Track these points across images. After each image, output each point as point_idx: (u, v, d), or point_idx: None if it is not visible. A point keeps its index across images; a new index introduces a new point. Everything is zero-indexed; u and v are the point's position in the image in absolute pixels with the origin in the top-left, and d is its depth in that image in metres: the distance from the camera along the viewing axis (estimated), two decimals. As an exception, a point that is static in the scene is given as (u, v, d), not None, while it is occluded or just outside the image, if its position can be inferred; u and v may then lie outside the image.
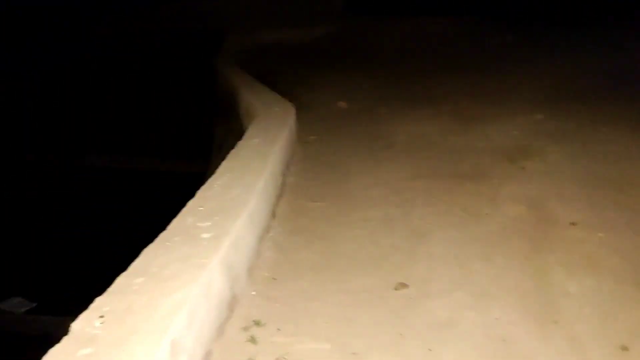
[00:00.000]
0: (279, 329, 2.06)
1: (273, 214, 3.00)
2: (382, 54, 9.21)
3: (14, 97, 10.66)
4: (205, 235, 2.03)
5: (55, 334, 1.60)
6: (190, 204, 2.37)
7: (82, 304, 1.68)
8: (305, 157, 4.18)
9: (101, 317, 1.54)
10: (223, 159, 3.20)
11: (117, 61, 11.70)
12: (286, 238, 2.79)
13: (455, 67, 8.02)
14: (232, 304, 2.04)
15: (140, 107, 11.50)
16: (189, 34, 12.81)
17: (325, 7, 11.57)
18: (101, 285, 1.80)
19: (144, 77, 11.80)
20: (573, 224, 2.95)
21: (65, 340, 1.48)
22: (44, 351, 1.50)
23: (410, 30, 10.92)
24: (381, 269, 2.57)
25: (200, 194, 2.49)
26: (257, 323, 2.05)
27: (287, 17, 12.33)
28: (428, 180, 3.72)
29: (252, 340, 1.96)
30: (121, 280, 1.73)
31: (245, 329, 2.02)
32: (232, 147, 3.45)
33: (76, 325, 1.53)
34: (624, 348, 2.01)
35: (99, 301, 1.64)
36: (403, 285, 2.40)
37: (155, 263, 1.81)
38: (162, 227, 2.12)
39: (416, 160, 4.16)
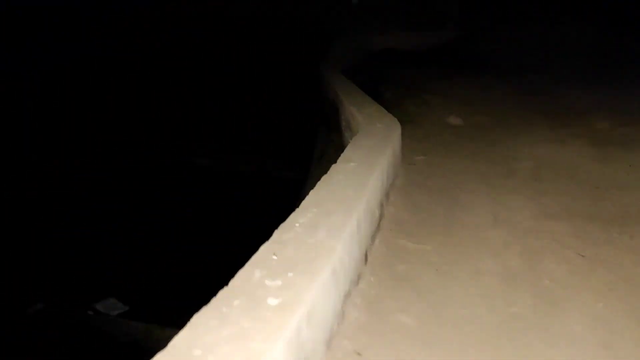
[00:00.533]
0: None
1: (365, 258, 2.49)
2: (502, 63, 8.40)
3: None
4: (272, 302, 1.58)
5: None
6: (263, 249, 1.93)
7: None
8: (409, 182, 3.62)
9: None
10: (319, 176, 2.77)
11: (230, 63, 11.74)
12: (379, 292, 2.27)
13: (587, 80, 7.06)
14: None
15: (240, 107, 11.44)
16: (298, 36, 12.67)
17: (440, 12, 10.84)
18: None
19: (252, 75, 11.74)
20: None
21: None
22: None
23: (532, 38, 9.91)
24: (500, 348, 1.97)
25: (277, 236, 2.05)
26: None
27: (399, 23, 11.76)
28: (560, 222, 3.02)
29: None
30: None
31: None
32: (331, 161, 3.03)
33: None
34: None
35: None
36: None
37: (202, 342, 1.39)
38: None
39: (544, 194, 3.46)
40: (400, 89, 6.79)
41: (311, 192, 2.55)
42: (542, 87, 6.36)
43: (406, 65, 8.76)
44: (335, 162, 3.10)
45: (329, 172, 2.87)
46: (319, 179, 2.79)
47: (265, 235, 2.05)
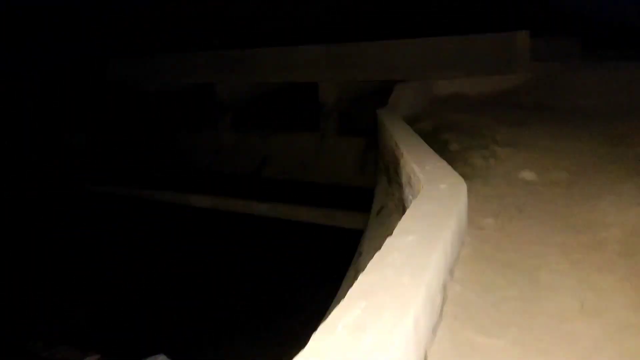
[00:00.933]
0: None
1: (425, 358, 2.09)
2: (584, 108, 7.79)
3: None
4: None
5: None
6: (297, 361, 1.59)
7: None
8: (477, 253, 3.19)
9: None
10: (377, 235, 2.43)
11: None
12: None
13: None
14: None
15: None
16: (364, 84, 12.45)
17: (511, 53, 10.34)
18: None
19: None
20: None
21: None
22: None
23: (620, 78, 9.23)
24: None
25: (315, 342, 1.70)
26: None
27: (467, 65, 11.34)
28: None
29: None
30: None
31: None
32: (391, 216, 2.69)
33: None
34: None
35: None
36: None
37: None
38: None
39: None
40: (467, 138, 6.35)
41: (360, 277, 2.19)
42: (634, 138, 5.72)
43: (475, 112, 8.31)
44: (393, 221, 2.74)
45: (383, 248, 2.51)
46: (376, 240, 2.44)
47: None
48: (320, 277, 7.55)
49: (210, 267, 9.40)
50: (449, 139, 6.69)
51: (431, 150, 4.66)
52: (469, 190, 3.60)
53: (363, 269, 2.28)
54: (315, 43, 13.61)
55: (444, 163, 4.17)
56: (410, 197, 4.15)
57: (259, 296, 8.66)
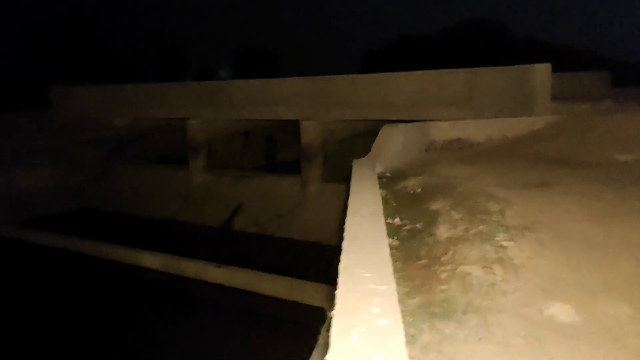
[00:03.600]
0: None
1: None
2: (622, 166, 5.76)
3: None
4: None
5: None
6: None
7: None
8: None
9: None
10: None
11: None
12: None
13: None
14: None
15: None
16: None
17: (528, 89, 8.36)
18: None
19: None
20: None
21: None
22: None
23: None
24: None
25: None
26: None
27: (474, 104, 9.37)
28: None
29: None
30: None
31: None
32: None
33: None
34: None
35: None
36: None
37: None
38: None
39: None
40: (465, 212, 4.29)
41: None
42: None
43: (478, 166, 6.29)
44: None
45: None
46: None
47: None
48: None
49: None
50: (440, 211, 4.64)
51: (387, 258, 2.59)
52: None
53: None
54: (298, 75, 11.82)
55: (392, 296, 2.11)
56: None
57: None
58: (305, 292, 7.93)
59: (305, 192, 11.38)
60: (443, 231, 4.02)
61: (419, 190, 5.77)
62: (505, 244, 3.42)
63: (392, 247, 3.95)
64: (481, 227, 3.80)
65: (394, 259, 3.26)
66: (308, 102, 11.31)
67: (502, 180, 5.46)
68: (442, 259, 3.33)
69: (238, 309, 8.36)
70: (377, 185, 5.27)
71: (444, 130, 8.00)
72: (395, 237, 4.21)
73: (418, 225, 4.48)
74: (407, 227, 4.48)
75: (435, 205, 4.94)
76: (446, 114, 9.29)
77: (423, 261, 3.44)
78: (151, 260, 9.66)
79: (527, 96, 8.30)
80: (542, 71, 8.27)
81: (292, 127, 12.24)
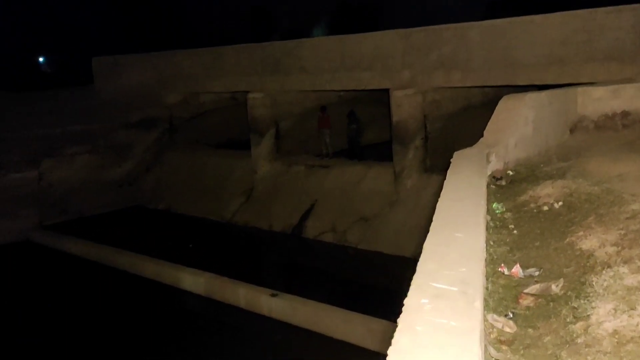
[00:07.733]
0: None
1: None
2: None
3: None
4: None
5: None
6: None
7: None
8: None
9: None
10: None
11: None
12: None
13: None
14: None
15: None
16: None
17: None
18: None
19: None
20: None
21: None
22: None
23: None
24: None
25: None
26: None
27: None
28: None
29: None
30: None
31: None
32: None
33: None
34: None
35: None
36: None
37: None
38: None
39: None
40: (635, 265, 2.59)
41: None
42: None
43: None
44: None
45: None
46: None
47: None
48: None
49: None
50: (596, 255, 2.98)
51: None
52: None
53: None
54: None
55: None
56: None
57: None
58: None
59: (398, 187, 10.06)
60: (603, 314, 2.33)
61: (558, 205, 4.11)
62: None
63: (500, 342, 2.35)
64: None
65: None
66: (401, 64, 9.98)
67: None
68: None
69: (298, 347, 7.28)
70: (485, 197, 3.70)
71: (599, 100, 6.84)
72: (510, 316, 2.59)
73: (554, 288, 2.82)
74: (535, 291, 2.84)
75: (587, 240, 3.27)
76: (603, 74, 7.89)
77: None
78: (194, 281, 8.82)
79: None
80: None
81: (382, 98, 10.82)
